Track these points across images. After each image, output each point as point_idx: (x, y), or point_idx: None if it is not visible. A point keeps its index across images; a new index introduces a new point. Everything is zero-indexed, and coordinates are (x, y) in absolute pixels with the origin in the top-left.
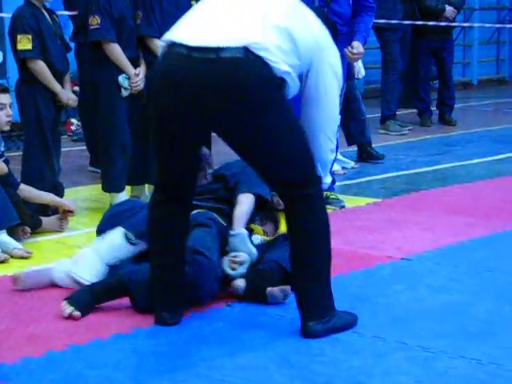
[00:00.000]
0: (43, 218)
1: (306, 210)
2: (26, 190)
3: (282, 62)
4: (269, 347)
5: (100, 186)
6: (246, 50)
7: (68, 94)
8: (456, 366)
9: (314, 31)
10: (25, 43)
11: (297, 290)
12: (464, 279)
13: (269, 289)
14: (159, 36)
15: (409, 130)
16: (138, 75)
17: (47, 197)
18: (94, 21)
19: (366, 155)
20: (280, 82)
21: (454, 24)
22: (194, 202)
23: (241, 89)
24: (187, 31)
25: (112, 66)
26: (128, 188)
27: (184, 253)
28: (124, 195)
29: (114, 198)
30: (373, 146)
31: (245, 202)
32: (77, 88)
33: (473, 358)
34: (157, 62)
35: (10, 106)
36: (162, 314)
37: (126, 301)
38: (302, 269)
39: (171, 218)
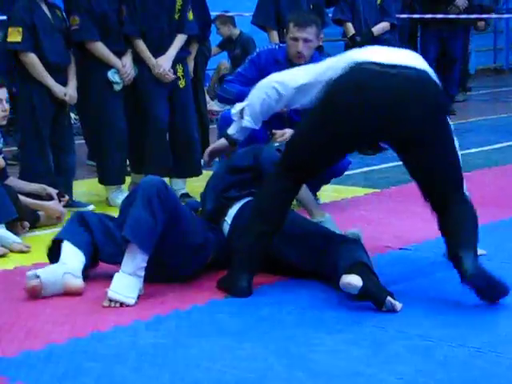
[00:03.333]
0: (40, 213)
1: (466, 206)
2: (14, 182)
3: None
4: (268, 338)
5: (97, 180)
6: (425, 72)
7: (66, 90)
8: (456, 355)
9: None
10: (15, 36)
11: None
12: None
13: (388, 299)
14: (140, 36)
15: None
16: (125, 66)
17: (35, 185)
18: (74, 21)
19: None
20: None
21: (451, 16)
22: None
23: (428, 102)
24: (372, 55)
25: (99, 62)
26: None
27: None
28: (121, 188)
29: (110, 191)
30: None
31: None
32: None
33: (473, 347)
34: (340, 76)
35: (6, 101)
36: (243, 282)
37: None
38: (469, 249)
39: (288, 194)
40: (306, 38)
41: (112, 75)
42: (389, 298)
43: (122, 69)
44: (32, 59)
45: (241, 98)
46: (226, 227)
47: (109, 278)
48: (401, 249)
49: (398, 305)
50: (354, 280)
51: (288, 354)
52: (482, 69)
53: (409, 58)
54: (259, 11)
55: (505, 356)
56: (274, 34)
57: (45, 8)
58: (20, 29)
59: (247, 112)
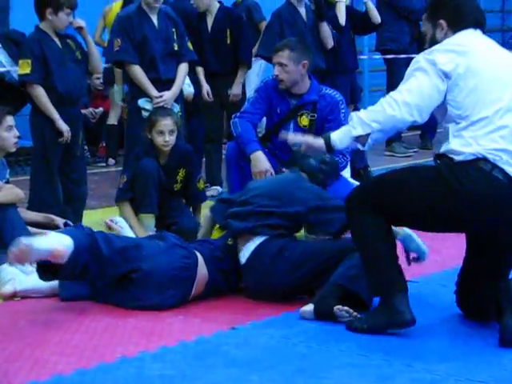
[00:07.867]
0: None
1: None
2: (22, 213)
3: None
4: (274, 370)
5: (107, 209)
6: None
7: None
8: None
9: None
10: (24, 68)
11: None
12: None
13: (336, 307)
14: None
15: (414, 151)
16: (160, 97)
17: (42, 216)
18: (116, 43)
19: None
20: None
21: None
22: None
23: None
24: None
25: (135, 87)
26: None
27: None
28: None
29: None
30: (379, 168)
31: None
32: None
33: (479, 381)
34: (475, 174)
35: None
36: (408, 314)
37: (130, 323)
38: None
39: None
40: (279, 61)
41: (143, 103)
42: (335, 308)
43: (155, 98)
44: (37, 92)
45: (239, 139)
46: (242, 258)
47: (113, 310)
48: (408, 281)
49: (349, 310)
50: (307, 308)
51: None
52: None
53: None
54: (264, 43)
55: None
56: None
57: (56, 39)
58: (29, 61)
59: (373, 137)
